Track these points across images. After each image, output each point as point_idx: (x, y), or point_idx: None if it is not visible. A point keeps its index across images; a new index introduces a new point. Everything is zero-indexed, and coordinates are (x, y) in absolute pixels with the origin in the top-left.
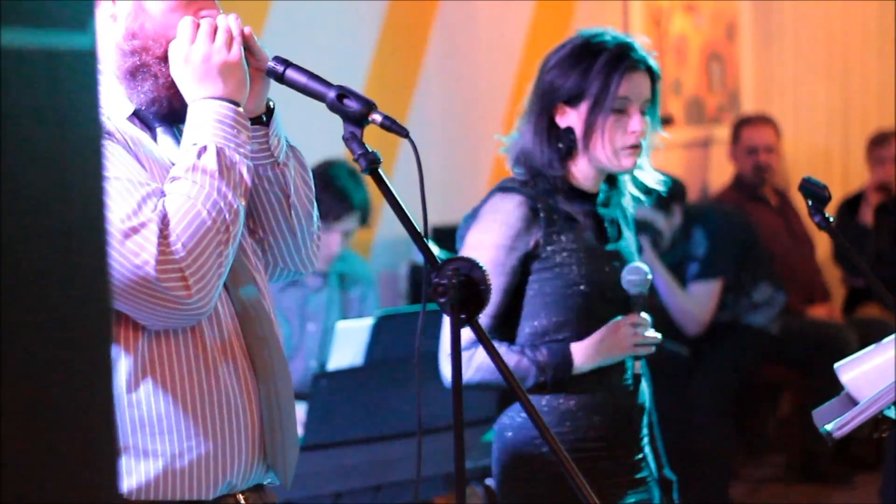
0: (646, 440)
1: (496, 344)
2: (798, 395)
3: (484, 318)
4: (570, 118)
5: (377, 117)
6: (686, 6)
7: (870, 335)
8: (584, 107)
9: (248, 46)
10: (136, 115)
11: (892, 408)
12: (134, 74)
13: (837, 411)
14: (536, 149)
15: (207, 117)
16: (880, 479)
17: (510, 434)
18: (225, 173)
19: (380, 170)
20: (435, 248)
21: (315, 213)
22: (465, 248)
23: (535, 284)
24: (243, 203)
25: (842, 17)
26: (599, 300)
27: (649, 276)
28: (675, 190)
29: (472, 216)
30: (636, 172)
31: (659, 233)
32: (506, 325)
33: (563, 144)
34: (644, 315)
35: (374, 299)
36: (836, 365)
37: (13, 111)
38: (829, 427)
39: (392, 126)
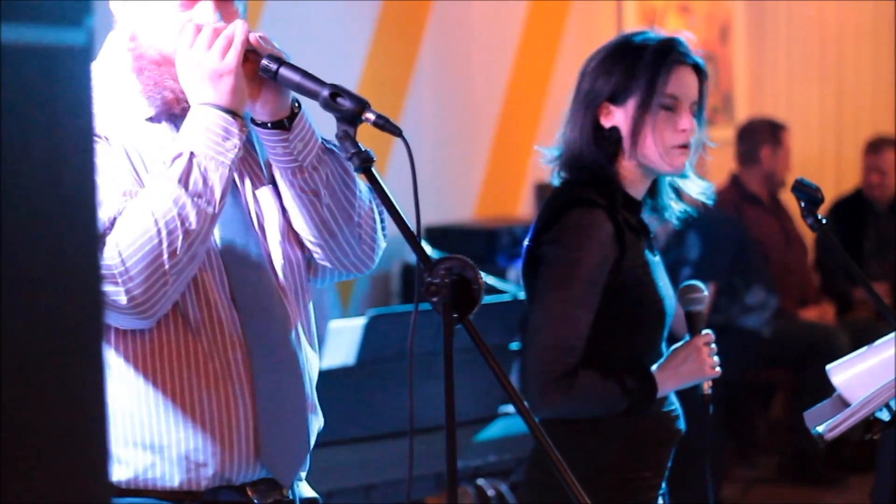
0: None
1: (590, 373)
2: (790, 397)
3: (577, 342)
4: (616, 117)
5: (370, 116)
6: (680, 7)
7: (861, 337)
8: (631, 103)
9: (259, 52)
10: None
11: (884, 409)
12: (140, 74)
13: (829, 413)
14: (584, 151)
15: (194, 123)
16: (872, 480)
17: None
18: (189, 182)
19: (373, 169)
20: (427, 248)
21: (359, 213)
22: (555, 267)
23: (615, 304)
24: (210, 212)
25: (836, 19)
26: (665, 317)
27: (706, 293)
28: None
29: (545, 233)
30: (680, 181)
31: (653, 236)
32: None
33: (609, 144)
34: (711, 333)
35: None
36: (827, 367)
37: (6, 106)
38: (820, 429)
39: (385, 125)
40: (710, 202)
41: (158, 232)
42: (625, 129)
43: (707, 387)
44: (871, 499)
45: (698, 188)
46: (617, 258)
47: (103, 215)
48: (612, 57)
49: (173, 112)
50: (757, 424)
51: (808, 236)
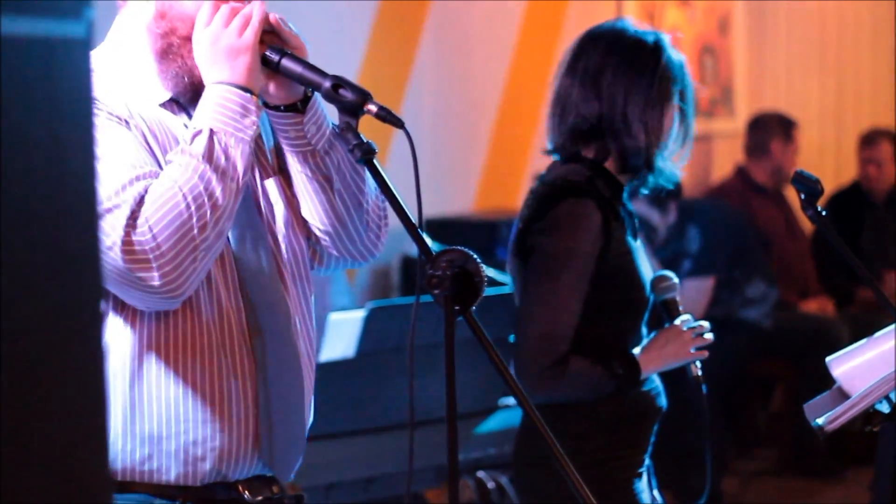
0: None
1: (579, 358)
2: (790, 389)
3: (569, 329)
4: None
5: (372, 107)
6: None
7: (861, 329)
8: (671, 104)
9: (277, 32)
10: (175, 101)
11: (884, 401)
12: (164, 56)
13: (829, 405)
14: (651, 141)
15: (211, 101)
16: (872, 473)
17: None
18: (212, 158)
19: (374, 160)
20: (428, 240)
21: (367, 200)
22: (547, 257)
23: (604, 291)
24: (234, 187)
25: (835, 11)
26: (647, 302)
27: (676, 280)
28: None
29: (536, 222)
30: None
31: (653, 229)
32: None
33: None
34: (689, 317)
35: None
36: (827, 359)
37: (6, 98)
38: (820, 421)
39: (387, 116)
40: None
41: (188, 206)
42: (666, 126)
43: (696, 369)
44: (871, 491)
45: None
46: (604, 247)
47: (128, 196)
48: (672, 61)
49: (198, 92)
50: (757, 417)
51: (809, 229)
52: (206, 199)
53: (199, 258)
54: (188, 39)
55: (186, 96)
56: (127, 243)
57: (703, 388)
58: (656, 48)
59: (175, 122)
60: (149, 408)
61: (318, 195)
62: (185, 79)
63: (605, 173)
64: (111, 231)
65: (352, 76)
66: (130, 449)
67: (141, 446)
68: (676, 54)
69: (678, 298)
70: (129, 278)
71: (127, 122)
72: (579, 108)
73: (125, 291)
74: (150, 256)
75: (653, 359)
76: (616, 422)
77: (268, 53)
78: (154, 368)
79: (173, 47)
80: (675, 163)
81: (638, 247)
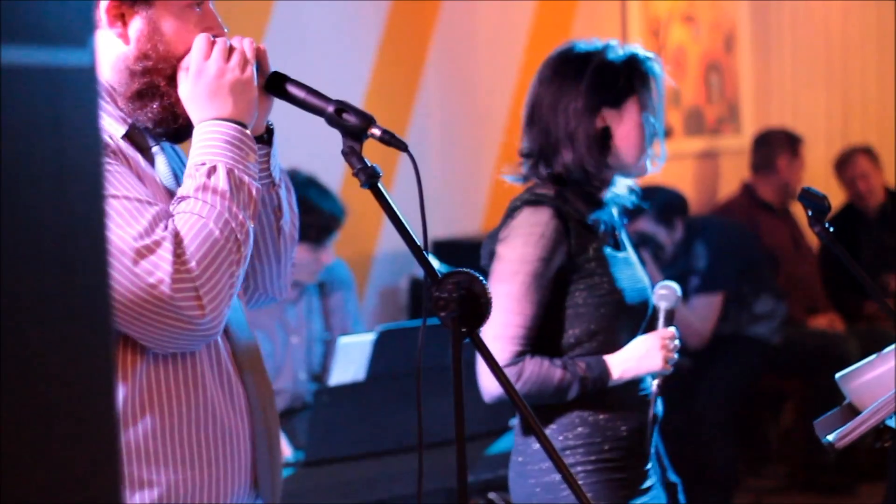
0: (654, 448)
1: (538, 359)
2: (800, 406)
3: (521, 331)
4: (610, 119)
5: (376, 131)
6: (685, 17)
7: (870, 345)
8: (631, 107)
9: (261, 64)
10: (128, 136)
11: (894, 417)
12: (142, 95)
13: (839, 421)
14: (584, 153)
15: (216, 138)
16: (883, 489)
17: (532, 481)
18: (235, 193)
19: (379, 184)
20: (435, 262)
21: (298, 235)
22: (503, 262)
23: (569, 296)
24: (253, 224)
25: (841, 27)
26: (626, 309)
27: (679, 293)
28: (677, 204)
29: (499, 232)
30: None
31: (660, 246)
32: (540, 338)
33: (604, 145)
34: (674, 330)
35: (354, 302)
36: (837, 375)
37: (13, 128)
38: (830, 437)
39: (391, 140)
40: (633, 200)
41: (226, 242)
42: (622, 132)
43: (655, 384)
44: None
45: (624, 187)
46: (568, 253)
47: (163, 232)
48: (607, 65)
49: (180, 129)
50: (767, 433)
51: (816, 246)
52: (238, 234)
53: (234, 294)
54: (172, 78)
55: (168, 132)
56: (177, 280)
57: (652, 411)
58: (586, 56)
59: (137, 156)
60: (154, 456)
61: (262, 230)
62: (167, 117)
63: (576, 187)
64: (155, 268)
65: (362, 86)
66: (139, 500)
67: (150, 495)
68: (622, 53)
69: (669, 308)
70: (176, 315)
71: (116, 155)
72: (525, 141)
73: (160, 330)
74: (201, 292)
75: (624, 363)
76: (609, 424)
77: (277, 80)
78: (155, 416)
79: (154, 87)
80: (641, 168)
81: (624, 257)
